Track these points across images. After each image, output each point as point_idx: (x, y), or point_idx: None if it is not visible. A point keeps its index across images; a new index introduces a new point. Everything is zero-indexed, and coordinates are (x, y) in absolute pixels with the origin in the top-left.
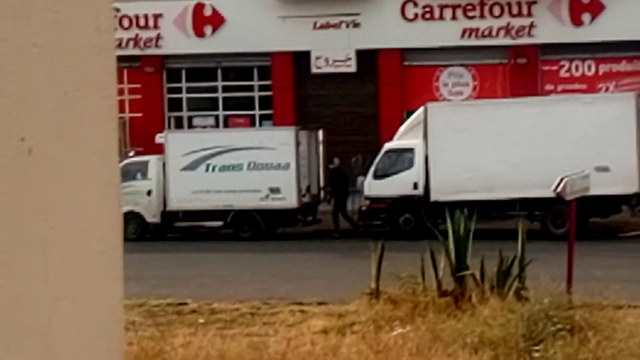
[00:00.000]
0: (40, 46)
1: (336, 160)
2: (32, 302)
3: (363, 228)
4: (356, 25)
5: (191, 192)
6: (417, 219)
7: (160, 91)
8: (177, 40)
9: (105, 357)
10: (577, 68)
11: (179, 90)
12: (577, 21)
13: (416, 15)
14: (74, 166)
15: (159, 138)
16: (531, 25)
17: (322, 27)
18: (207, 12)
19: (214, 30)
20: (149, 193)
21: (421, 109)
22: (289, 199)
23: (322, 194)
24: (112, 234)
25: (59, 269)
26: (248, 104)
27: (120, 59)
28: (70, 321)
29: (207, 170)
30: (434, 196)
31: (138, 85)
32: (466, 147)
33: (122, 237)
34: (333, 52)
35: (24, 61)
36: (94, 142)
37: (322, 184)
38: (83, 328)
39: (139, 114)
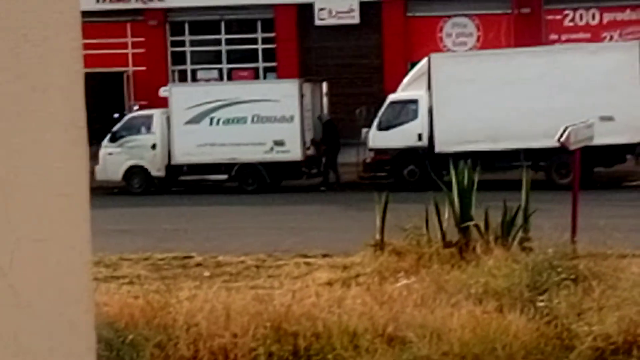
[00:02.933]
0: None
1: (324, 114)
2: None
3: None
4: None
5: (195, 145)
6: (421, 171)
7: (164, 44)
8: None
9: (71, 295)
10: (581, 17)
11: (182, 43)
12: None
13: None
14: (38, 107)
15: (162, 92)
16: None
17: None
18: None
19: None
20: (153, 147)
21: (425, 60)
22: (293, 152)
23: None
24: (77, 175)
25: (21, 210)
26: (252, 56)
27: (124, 12)
28: (33, 261)
29: (211, 123)
30: (438, 147)
31: (141, 39)
32: (470, 98)
33: (88, 179)
34: (336, 4)
35: None
36: (58, 84)
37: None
38: (47, 268)
39: (143, 68)
